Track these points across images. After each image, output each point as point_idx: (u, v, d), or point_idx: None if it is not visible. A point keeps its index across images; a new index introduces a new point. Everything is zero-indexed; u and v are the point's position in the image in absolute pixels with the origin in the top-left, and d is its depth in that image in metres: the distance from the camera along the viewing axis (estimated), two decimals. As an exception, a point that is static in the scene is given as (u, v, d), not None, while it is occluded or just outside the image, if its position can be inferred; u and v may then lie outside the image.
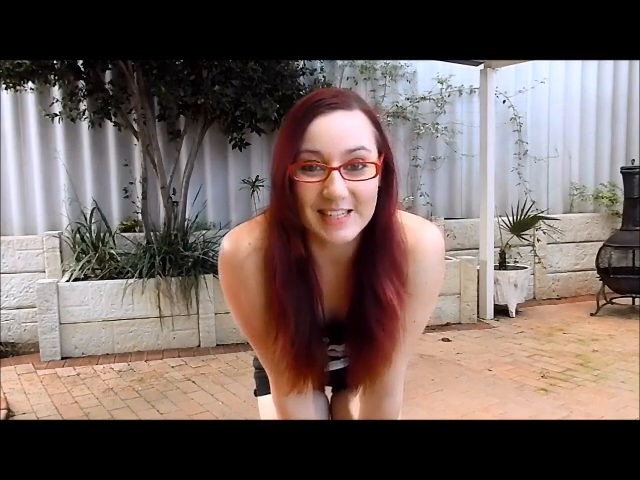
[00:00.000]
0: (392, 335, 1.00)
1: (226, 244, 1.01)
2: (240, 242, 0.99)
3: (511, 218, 4.84)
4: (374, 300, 0.97)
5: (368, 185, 0.90)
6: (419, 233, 1.01)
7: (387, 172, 0.95)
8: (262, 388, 1.33)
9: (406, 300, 0.99)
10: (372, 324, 0.98)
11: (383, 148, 0.94)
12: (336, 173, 0.88)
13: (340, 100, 0.91)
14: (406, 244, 0.98)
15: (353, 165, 0.89)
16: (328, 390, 1.31)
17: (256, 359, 1.32)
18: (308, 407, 1.15)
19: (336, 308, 1.05)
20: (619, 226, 4.86)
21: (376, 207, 0.94)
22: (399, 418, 1.20)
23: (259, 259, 0.98)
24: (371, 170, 0.90)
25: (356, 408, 1.20)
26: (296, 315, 0.97)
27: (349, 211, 0.90)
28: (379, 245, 0.97)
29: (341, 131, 0.89)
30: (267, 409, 1.28)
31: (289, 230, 0.94)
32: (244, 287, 1.00)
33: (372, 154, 0.91)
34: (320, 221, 0.91)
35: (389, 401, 1.13)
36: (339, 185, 0.87)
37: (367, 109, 0.94)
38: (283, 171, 0.90)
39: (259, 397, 1.37)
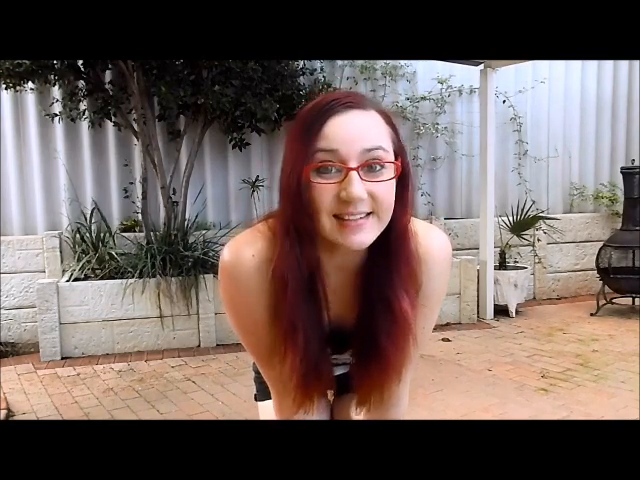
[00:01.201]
0: (403, 349, 0.96)
1: (227, 255, 0.94)
2: (242, 253, 0.93)
3: (511, 218, 4.84)
4: (386, 313, 0.93)
5: (386, 187, 0.86)
6: (427, 240, 0.97)
7: (402, 177, 0.91)
8: (262, 393, 1.30)
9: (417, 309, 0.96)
10: (382, 338, 0.94)
11: (399, 151, 0.90)
12: (354, 174, 0.83)
13: (355, 100, 0.87)
14: (417, 251, 0.95)
15: (371, 166, 0.85)
16: (329, 393, 1.30)
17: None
18: (310, 417, 1.11)
19: (340, 318, 1.01)
20: (619, 226, 4.87)
21: (392, 214, 0.89)
22: None
23: (264, 272, 0.92)
24: (390, 171, 0.86)
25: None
26: (305, 330, 0.92)
27: (368, 214, 0.86)
28: (394, 254, 0.92)
29: (358, 130, 0.85)
30: (267, 414, 1.26)
31: (304, 239, 0.88)
32: (246, 300, 0.95)
33: (389, 155, 0.87)
34: (336, 226, 0.86)
35: (394, 410, 1.11)
36: (358, 186, 0.83)
37: (382, 110, 0.90)
38: (298, 174, 0.85)
39: (259, 402, 1.34)
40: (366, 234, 0.87)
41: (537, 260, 5.16)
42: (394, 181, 0.88)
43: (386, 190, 0.86)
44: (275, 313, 0.93)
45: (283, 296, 0.91)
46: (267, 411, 1.26)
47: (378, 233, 0.89)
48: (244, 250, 0.94)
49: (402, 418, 1.15)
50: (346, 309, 0.99)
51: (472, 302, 4.51)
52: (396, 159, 0.89)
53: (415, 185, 0.95)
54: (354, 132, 0.85)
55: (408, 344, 0.96)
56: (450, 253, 1.01)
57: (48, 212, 4.39)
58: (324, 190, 0.85)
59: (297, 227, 0.88)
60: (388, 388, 1.01)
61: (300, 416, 1.05)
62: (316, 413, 1.11)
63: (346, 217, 0.85)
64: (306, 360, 0.93)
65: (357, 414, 1.16)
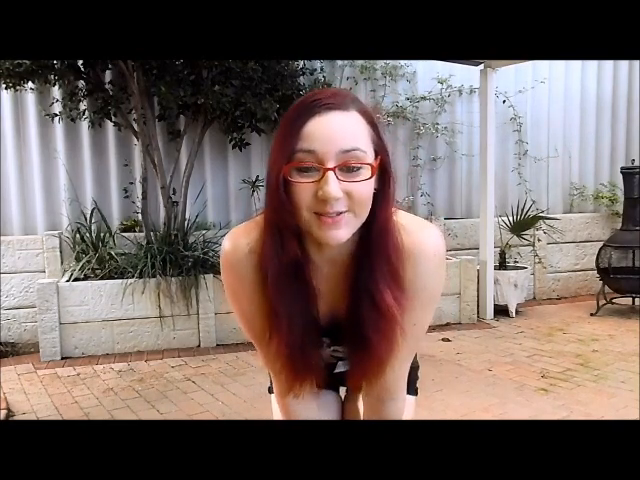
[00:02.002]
0: (389, 340, 0.98)
1: (226, 243, 1.02)
2: (239, 242, 1.00)
3: (511, 218, 4.84)
4: (371, 306, 0.96)
5: (363, 186, 0.89)
6: (418, 235, 0.99)
7: (383, 173, 0.94)
8: None
9: (405, 304, 0.98)
10: (368, 329, 0.97)
11: (379, 149, 0.93)
12: (331, 174, 0.87)
13: (336, 101, 0.90)
14: (403, 246, 0.96)
15: (348, 166, 0.88)
16: (343, 390, 1.31)
17: None
18: (310, 408, 1.15)
19: (335, 309, 1.04)
20: (619, 226, 4.87)
21: (373, 209, 0.93)
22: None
23: (256, 259, 0.98)
24: (366, 172, 0.89)
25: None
26: (289, 316, 0.97)
27: (343, 212, 0.89)
28: (375, 248, 0.95)
29: (337, 131, 0.88)
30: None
31: (283, 231, 0.93)
32: (242, 286, 1.01)
33: (368, 155, 0.90)
34: (315, 222, 0.90)
35: (392, 404, 1.13)
36: (334, 186, 0.86)
37: (364, 110, 0.93)
38: (277, 171, 0.89)
39: (273, 395, 1.35)
40: (342, 230, 0.90)
41: (537, 260, 5.16)
42: (372, 180, 0.91)
43: (363, 189, 0.90)
44: (264, 298, 0.98)
45: (267, 282, 0.96)
46: None
47: (354, 229, 0.93)
48: (240, 239, 1.01)
49: (401, 413, 1.16)
50: (339, 300, 1.03)
51: (472, 302, 4.51)
52: (376, 157, 0.92)
53: (396, 180, 0.97)
54: (332, 133, 0.88)
55: (395, 333, 0.98)
56: (443, 251, 1.01)
57: (48, 212, 4.39)
58: (303, 188, 0.89)
59: (277, 221, 0.93)
60: (378, 377, 1.04)
61: (295, 399, 1.09)
62: (315, 403, 1.16)
63: (323, 214, 0.89)
64: (290, 344, 0.98)
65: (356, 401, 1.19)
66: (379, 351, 0.99)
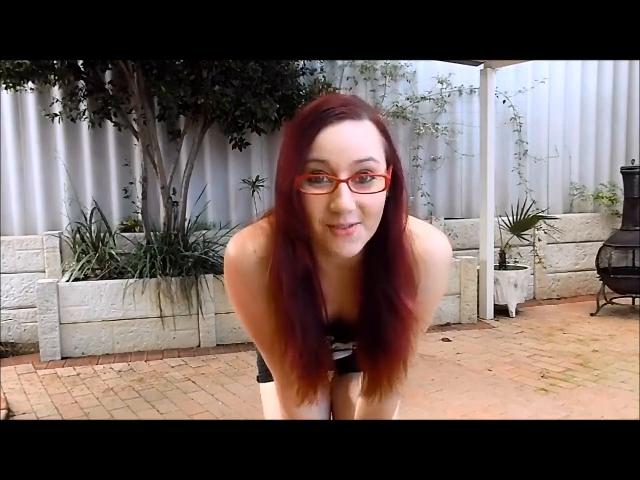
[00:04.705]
0: (408, 342, 0.99)
1: (231, 250, 0.99)
2: (245, 248, 0.98)
3: (511, 218, 4.84)
4: (390, 311, 0.96)
5: (375, 198, 0.88)
6: (427, 243, 0.99)
7: (396, 183, 0.93)
8: (264, 375, 1.34)
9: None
10: (388, 333, 0.97)
11: (392, 159, 0.92)
12: (344, 186, 0.85)
13: (349, 110, 0.88)
14: (413, 252, 0.97)
15: (361, 177, 0.87)
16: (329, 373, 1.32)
17: None
18: (312, 408, 1.14)
19: (342, 310, 1.04)
20: (619, 226, 4.87)
21: (387, 218, 0.92)
22: (396, 415, 1.22)
23: (264, 266, 0.96)
24: (380, 183, 0.88)
25: (356, 392, 1.20)
26: (303, 325, 0.95)
27: (356, 223, 0.88)
28: (392, 257, 0.95)
29: (349, 141, 0.86)
30: (268, 395, 1.30)
31: (295, 240, 0.92)
32: (250, 293, 0.99)
33: (381, 165, 0.89)
34: (327, 234, 0.88)
35: (389, 402, 1.13)
36: (347, 199, 0.85)
37: (377, 119, 0.91)
38: (290, 182, 0.87)
39: (261, 384, 1.37)
40: (354, 243, 0.89)
41: (537, 260, 5.16)
42: (384, 192, 0.90)
43: (375, 201, 0.88)
44: (274, 306, 0.97)
45: (280, 292, 0.94)
46: (268, 392, 1.30)
47: (365, 241, 0.91)
48: (247, 245, 0.98)
49: (394, 410, 1.18)
50: (348, 302, 1.03)
51: (472, 302, 4.51)
52: (388, 167, 0.91)
53: (409, 189, 0.96)
54: (345, 143, 0.86)
55: (411, 335, 0.99)
56: (450, 257, 1.03)
57: (48, 212, 4.39)
58: (315, 200, 0.87)
59: (289, 230, 0.91)
60: (395, 379, 1.04)
61: (305, 407, 1.08)
62: (322, 399, 1.15)
63: (335, 226, 0.87)
64: (306, 353, 0.97)
65: (353, 381, 1.19)
66: (399, 354, 0.99)
